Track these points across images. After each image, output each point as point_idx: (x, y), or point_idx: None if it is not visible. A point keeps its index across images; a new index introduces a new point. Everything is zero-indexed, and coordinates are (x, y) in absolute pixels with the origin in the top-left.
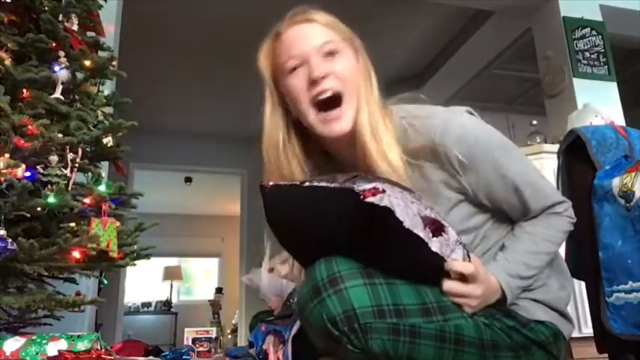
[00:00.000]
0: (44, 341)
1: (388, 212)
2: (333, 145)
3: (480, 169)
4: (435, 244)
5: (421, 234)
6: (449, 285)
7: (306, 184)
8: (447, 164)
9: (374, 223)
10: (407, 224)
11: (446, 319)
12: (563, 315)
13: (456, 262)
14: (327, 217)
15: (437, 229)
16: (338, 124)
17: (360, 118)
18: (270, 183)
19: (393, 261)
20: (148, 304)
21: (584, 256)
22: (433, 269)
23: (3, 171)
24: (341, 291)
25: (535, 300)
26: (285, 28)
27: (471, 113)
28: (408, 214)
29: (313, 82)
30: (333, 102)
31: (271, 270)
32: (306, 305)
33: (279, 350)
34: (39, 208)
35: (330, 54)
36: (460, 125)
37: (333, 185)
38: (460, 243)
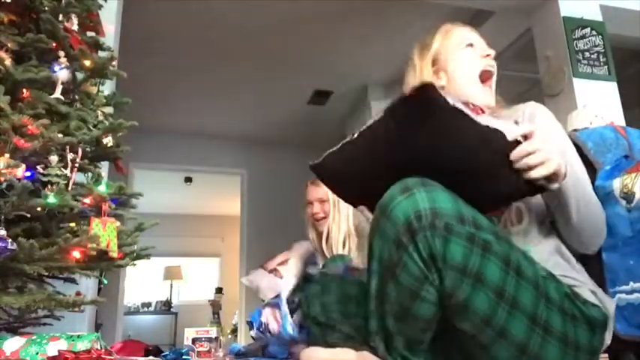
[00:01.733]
0: (44, 341)
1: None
2: None
3: (538, 124)
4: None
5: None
6: (517, 149)
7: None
8: (521, 117)
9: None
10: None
11: (511, 248)
12: (607, 325)
13: (518, 128)
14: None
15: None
16: (490, 97)
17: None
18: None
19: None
20: (148, 304)
21: (586, 257)
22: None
23: (3, 171)
24: (431, 191)
25: (594, 292)
26: (455, 26)
27: None
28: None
29: (487, 55)
30: (487, 77)
31: (271, 271)
32: (393, 199)
33: (276, 315)
34: (39, 208)
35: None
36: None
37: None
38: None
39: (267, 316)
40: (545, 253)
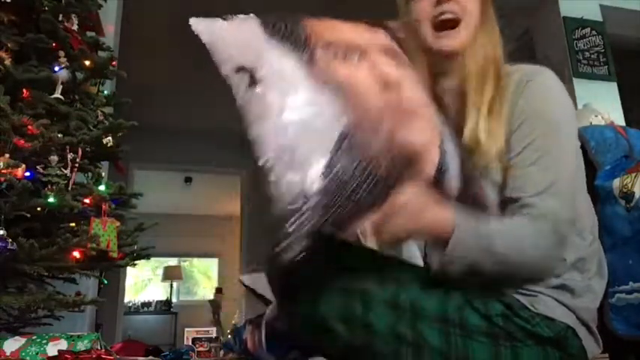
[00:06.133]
0: (44, 341)
1: None
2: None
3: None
4: None
5: None
6: None
7: None
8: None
9: None
10: None
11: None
12: (590, 331)
13: None
14: None
15: None
16: (449, 40)
17: (470, 57)
18: None
19: None
20: (148, 304)
21: None
22: None
23: (3, 171)
24: None
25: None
26: None
27: None
28: None
29: (438, 2)
30: (450, 25)
31: None
32: None
33: (255, 335)
34: (39, 208)
35: None
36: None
37: None
38: None
39: (248, 334)
40: None
